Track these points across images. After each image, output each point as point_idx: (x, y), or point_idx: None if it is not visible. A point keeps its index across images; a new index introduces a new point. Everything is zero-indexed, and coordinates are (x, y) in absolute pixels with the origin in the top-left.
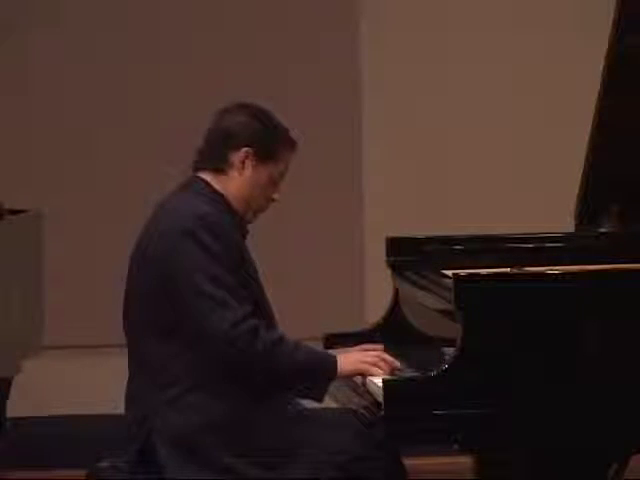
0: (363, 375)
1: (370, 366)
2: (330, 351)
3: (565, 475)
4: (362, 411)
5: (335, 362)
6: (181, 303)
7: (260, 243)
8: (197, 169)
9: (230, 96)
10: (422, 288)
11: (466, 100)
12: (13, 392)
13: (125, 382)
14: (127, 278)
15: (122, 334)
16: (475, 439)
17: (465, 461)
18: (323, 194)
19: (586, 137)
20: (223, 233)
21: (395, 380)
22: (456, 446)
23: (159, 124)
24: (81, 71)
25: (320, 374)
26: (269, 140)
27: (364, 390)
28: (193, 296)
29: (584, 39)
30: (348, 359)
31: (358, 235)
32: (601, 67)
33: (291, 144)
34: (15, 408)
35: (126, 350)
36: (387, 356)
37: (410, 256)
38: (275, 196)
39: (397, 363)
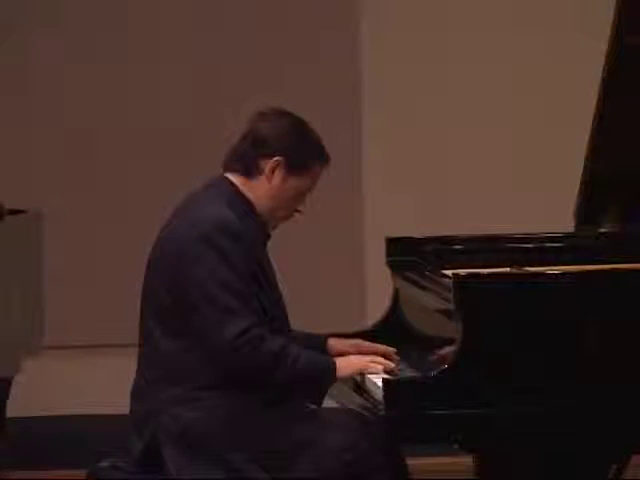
0: (362, 373)
1: (367, 366)
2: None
3: (565, 475)
4: (362, 411)
5: (334, 369)
6: (192, 306)
7: None
8: (227, 169)
9: (230, 96)
10: (422, 288)
11: (466, 100)
12: (13, 392)
13: (125, 382)
14: (145, 274)
15: (122, 334)
16: (475, 439)
17: (465, 461)
18: (323, 194)
19: (586, 137)
20: (242, 239)
21: (395, 380)
22: (456, 446)
23: (159, 124)
24: (81, 71)
25: (319, 381)
26: (302, 153)
27: (364, 390)
28: (204, 302)
29: (584, 39)
30: (346, 363)
31: (358, 235)
32: (601, 67)
33: (324, 160)
34: (15, 408)
35: (126, 350)
36: (381, 359)
37: (410, 256)
38: (300, 208)
39: (391, 365)
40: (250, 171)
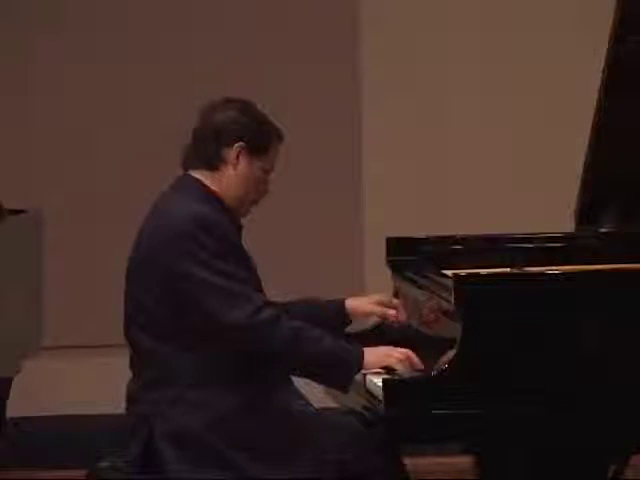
0: (387, 368)
1: (396, 361)
2: None
3: (565, 475)
4: (362, 411)
5: (362, 352)
6: (191, 302)
7: (260, 243)
8: (188, 167)
9: (230, 96)
10: (422, 288)
11: (466, 100)
12: (13, 392)
13: (124, 382)
14: (126, 280)
15: (122, 334)
16: (475, 439)
17: (465, 461)
18: (323, 194)
19: (586, 137)
20: (221, 231)
21: (395, 380)
22: (456, 446)
23: (159, 124)
24: (81, 71)
25: (346, 362)
26: (260, 133)
27: (364, 390)
28: (206, 293)
29: (584, 39)
30: (375, 351)
31: (358, 235)
32: (601, 67)
33: (279, 136)
34: (15, 408)
35: (126, 350)
36: (414, 357)
37: (410, 256)
38: (267, 188)
39: (421, 366)
40: (213, 163)
